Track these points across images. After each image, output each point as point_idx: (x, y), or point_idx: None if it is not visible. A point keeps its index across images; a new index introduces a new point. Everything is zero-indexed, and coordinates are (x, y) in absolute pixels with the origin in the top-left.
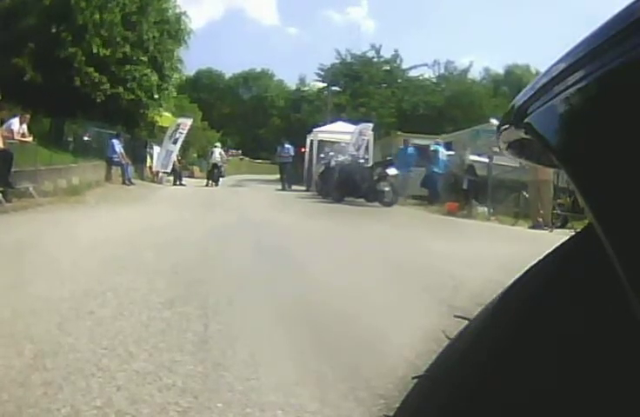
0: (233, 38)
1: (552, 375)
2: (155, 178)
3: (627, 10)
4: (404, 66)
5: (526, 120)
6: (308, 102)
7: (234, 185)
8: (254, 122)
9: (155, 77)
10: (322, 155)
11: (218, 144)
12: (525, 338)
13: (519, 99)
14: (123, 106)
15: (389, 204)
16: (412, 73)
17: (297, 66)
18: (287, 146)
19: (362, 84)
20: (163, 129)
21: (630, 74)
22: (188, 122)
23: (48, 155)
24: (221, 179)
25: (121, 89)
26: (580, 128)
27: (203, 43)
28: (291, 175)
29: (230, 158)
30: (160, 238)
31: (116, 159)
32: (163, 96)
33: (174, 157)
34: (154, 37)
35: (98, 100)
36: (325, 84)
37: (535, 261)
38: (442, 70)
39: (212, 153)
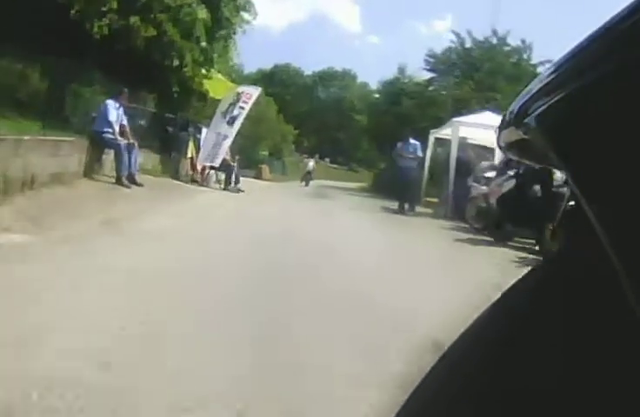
0: (314, 40)
1: (553, 376)
2: (196, 176)
3: (627, 10)
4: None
5: (526, 120)
6: (409, 95)
7: (318, 195)
8: (332, 124)
9: (202, 12)
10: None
11: (312, 159)
12: (525, 338)
13: (519, 99)
14: (139, 47)
15: None
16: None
17: (378, 72)
18: (412, 142)
19: (484, 75)
20: (215, 103)
21: (631, 74)
22: (254, 92)
23: None
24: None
25: (136, 20)
26: (581, 128)
27: (282, 42)
28: (418, 188)
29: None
30: None
31: (108, 136)
32: (217, 47)
33: (227, 146)
34: None
35: (97, 34)
36: (432, 75)
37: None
38: None
39: (307, 164)
